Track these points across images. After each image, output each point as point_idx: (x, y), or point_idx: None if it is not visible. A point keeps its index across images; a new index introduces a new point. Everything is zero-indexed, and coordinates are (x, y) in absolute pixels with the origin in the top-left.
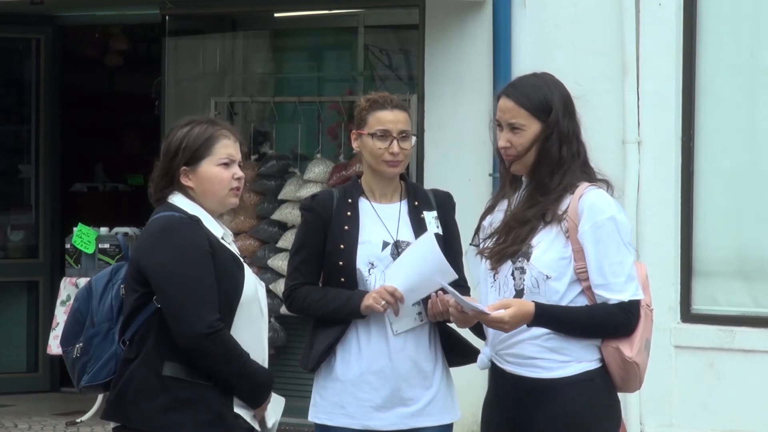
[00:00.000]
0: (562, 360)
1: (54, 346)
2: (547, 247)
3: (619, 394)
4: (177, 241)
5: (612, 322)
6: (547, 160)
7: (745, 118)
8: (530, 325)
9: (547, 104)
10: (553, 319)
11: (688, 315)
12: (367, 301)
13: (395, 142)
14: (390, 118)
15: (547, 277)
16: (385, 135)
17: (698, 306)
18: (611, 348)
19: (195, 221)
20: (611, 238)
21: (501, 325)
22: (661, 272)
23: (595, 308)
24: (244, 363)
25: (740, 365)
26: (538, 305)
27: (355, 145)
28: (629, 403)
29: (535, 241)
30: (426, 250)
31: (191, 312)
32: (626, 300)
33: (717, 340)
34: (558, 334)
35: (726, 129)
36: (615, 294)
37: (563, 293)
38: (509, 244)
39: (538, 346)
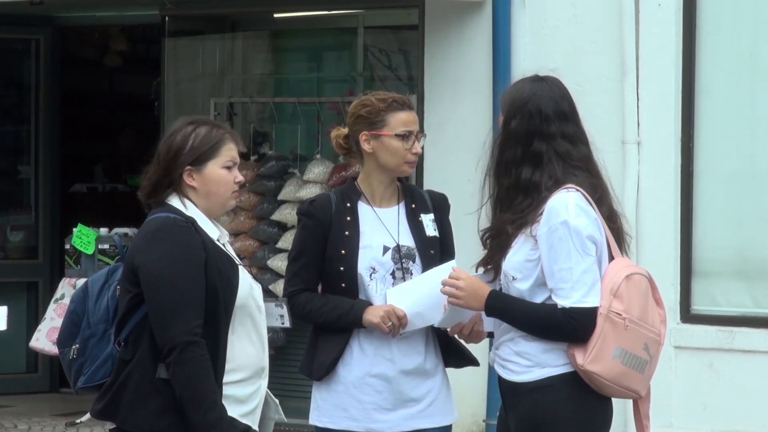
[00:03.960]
0: (525, 365)
1: (33, 339)
2: (517, 249)
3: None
4: (170, 243)
5: (553, 323)
6: (499, 156)
7: (745, 118)
8: (486, 309)
9: (507, 103)
10: (500, 303)
11: (687, 315)
12: (375, 319)
13: (416, 142)
14: (411, 119)
15: (513, 278)
16: (408, 135)
17: (698, 306)
18: (569, 354)
19: (191, 223)
20: (562, 243)
21: (456, 292)
22: (661, 272)
23: (542, 308)
24: (212, 400)
25: (740, 366)
26: (494, 289)
27: (367, 146)
28: (628, 402)
29: (514, 242)
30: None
31: (173, 315)
32: (567, 306)
33: (717, 341)
34: (518, 332)
35: (726, 129)
36: (560, 299)
37: (529, 295)
38: (489, 254)
39: (509, 348)
